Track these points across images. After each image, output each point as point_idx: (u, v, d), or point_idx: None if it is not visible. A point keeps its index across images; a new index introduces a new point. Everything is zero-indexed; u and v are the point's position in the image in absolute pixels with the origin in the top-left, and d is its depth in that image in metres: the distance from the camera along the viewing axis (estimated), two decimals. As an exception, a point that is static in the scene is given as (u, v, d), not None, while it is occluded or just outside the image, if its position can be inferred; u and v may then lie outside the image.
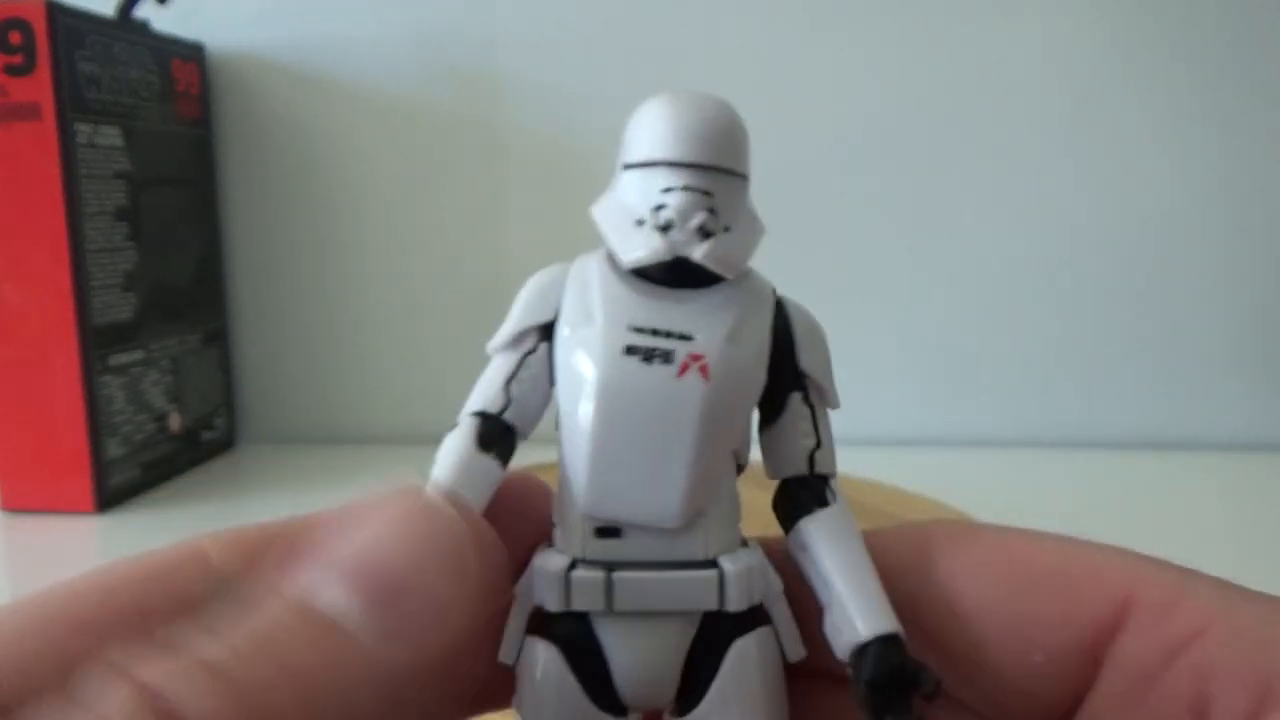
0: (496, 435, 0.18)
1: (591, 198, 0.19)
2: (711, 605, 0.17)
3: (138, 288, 0.59)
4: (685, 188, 0.17)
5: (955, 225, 0.68)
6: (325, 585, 0.13)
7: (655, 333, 0.17)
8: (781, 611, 0.18)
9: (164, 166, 0.63)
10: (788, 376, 0.18)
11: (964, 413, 0.70)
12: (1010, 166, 0.67)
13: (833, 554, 0.17)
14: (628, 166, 0.18)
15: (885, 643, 0.16)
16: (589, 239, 0.18)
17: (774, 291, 0.19)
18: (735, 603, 0.17)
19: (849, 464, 0.61)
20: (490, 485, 0.17)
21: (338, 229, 0.72)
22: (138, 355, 0.60)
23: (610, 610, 0.17)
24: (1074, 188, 0.67)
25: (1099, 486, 0.61)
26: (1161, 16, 0.65)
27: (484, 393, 0.18)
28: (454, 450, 0.17)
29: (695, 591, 0.17)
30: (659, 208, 0.17)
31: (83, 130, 0.54)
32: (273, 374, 0.73)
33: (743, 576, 0.17)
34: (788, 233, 0.72)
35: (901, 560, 0.18)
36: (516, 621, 0.17)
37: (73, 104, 0.53)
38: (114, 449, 0.57)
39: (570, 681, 0.17)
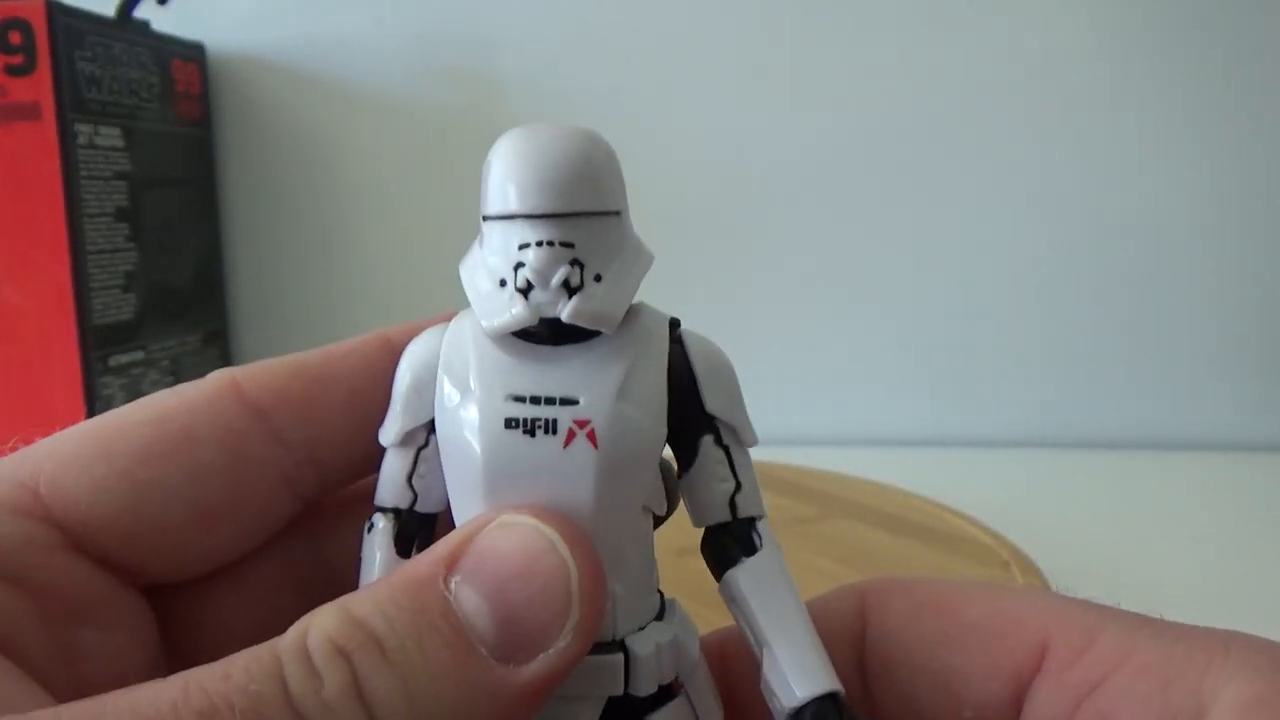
0: (414, 530, 0.17)
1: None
2: (616, 690, 0.16)
3: (138, 288, 0.59)
4: (541, 242, 0.16)
5: (954, 227, 0.68)
6: (470, 598, 0.15)
7: (536, 400, 0.16)
8: (697, 683, 0.17)
9: (164, 166, 0.63)
10: (695, 420, 0.17)
11: (963, 413, 0.70)
12: (1009, 168, 0.67)
13: (762, 607, 0.16)
14: (487, 218, 0.17)
15: (822, 703, 0.16)
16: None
17: (671, 326, 0.17)
18: (643, 687, 0.16)
19: (849, 464, 0.61)
20: None
21: (337, 229, 0.72)
22: (138, 355, 0.60)
23: None
24: (1073, 189, 0.67)
25: (1098, 487, 0.61)
26: (1157, 19, 0.65)
27: (390, 489, 0.17)
28: (381, 570, 0.17)
29: (599, 677, 0.16)
30: (519, 266, 0.16)
31: (83, 130, 0.54)
32: (273, 374, 0.73)
33: (651, 660, 0.16)
34: (787, 235, 0.72)
35: (840, 624, 0.17)
36: None
37: (73, 104, 0.53)
38: (114, 449, 0.57)
39: None
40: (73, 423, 0.57)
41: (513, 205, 0.16)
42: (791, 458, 0.56)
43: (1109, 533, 0.52)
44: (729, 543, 0.17)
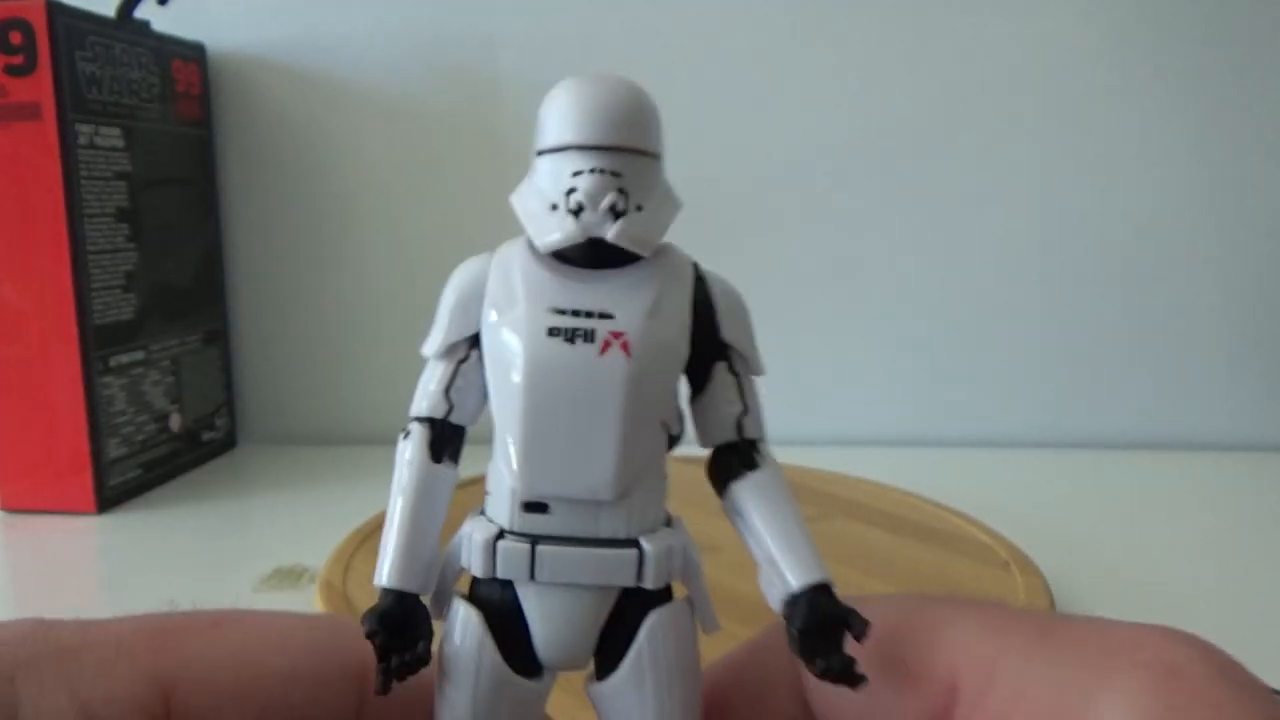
0: (447, 438, 0.19)
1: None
2: (629, 582, 0.18)
3: (138, 288, 0.59)
4: (594, 170, 0.17)
5: (955, 228, 0.68)
6: None
7: (576, 313, 0.17)
8: (699, 586, 0.19)
9: (164, 166, 0.63)
10: (711, 347, 0.19)
11: (963, 413, 0.70)
12: (1011, 169, 0.67)
13: (762, 513, 0.18)
14: (541, 153, 0.18)
15: (816, 592, 0.17)
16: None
17: (694, 266, 0.19)
18: (652, 580, 0.18)
19: (849, 464, 0.61)
20: (449, 492, 0.19)
21: (338, 229, 0.72)
22: (138, 355, 0.60)
23: (533, 579, 0.18)
24: (1073, 189, 0.67)
25: (1098, 487, 0.61)
26: (1156, 18, 0.65)
27: (428, 399, 0.19)
28: (412, 470, 0.18)
29: (614, 568, 0.18)
30: (570, 191, 0.17)
31: (83, 130, 0.54)
32: (273, 374, 0.73)
33: (661, 557, 0.18)
34: (786, 235, 0.72)
35: (779, 664, 0.18)
36: (444, 583, 0.18)
37: (73, 104, 0.54)
38: (114, 449, 0.57)
39: (488, 644, 0.18)
40: (73, 423, 0.57)
41: (568, 138, 0.18)
42: (792, 458, 0.56)
43: (1109, 533, 0.52)
44: (733, 460, 0.19)
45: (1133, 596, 0.43)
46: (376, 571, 0.18)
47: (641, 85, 0.18)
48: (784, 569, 0.18)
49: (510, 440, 0.18)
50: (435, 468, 0.18)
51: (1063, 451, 0.67)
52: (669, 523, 0.19)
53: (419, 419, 0.19)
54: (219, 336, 0.70)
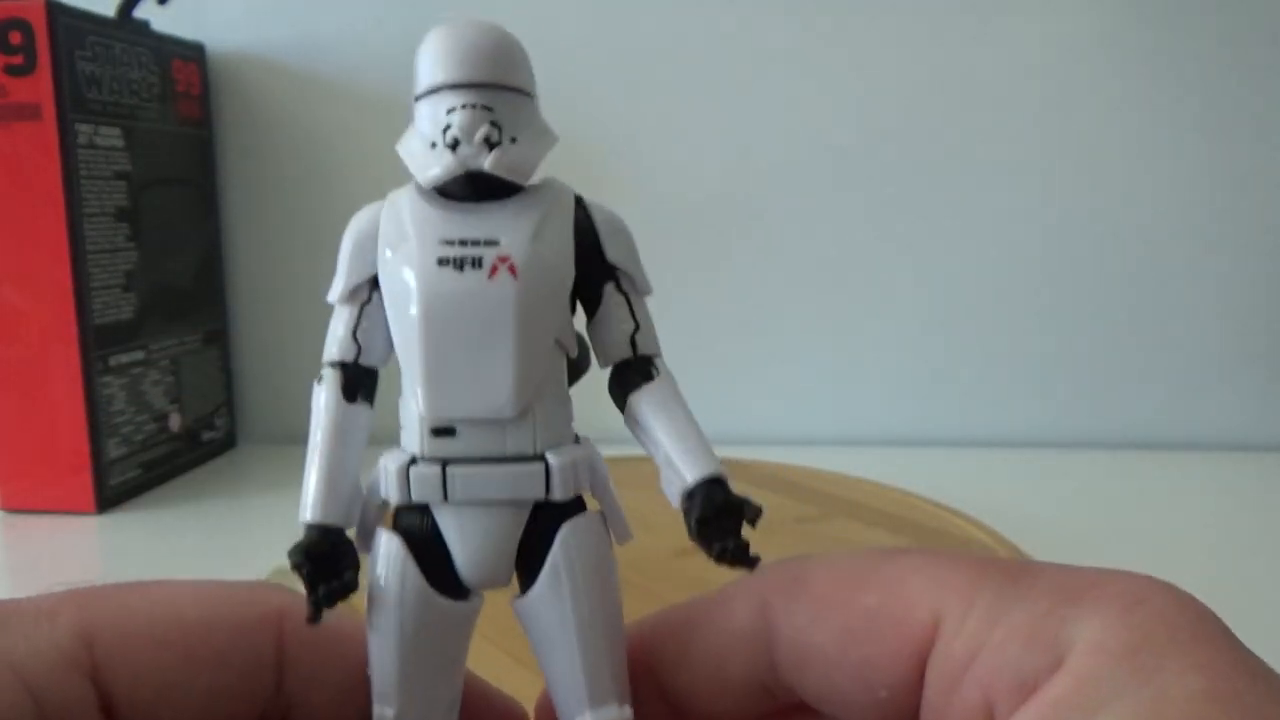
0: (359, 380, 0.20)
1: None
2: (539, 495, 0.19)
3: (138, 288, 0.59)
4: (465, 105, 0.18)
5: (955, 228, 0.68)
6: None
7: (464, 243, 0.18)
8: (608, 498, 0.19)
9: (164, 166, 0.63)
10: (598, 270, 0.19)
11: (963, 413, 0.70)
12: (1009, 168, 0.67)
13: (659, 419, 0.19)
14: (418, 99, 0.19)
15: (710, 484, 0.18)
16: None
17: (574, 195, 0.20)
18: (560, 492, 0.19)
19: (849, 464, 0.60)
20: (365, 430, 0.19)
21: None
22: (138, 355, 0.60)
23: (446, 500, 0.18)
24: (1073, 189, 0.67)
25: (1099, 487, 0.61)
26: (1154, 19, 0.65)
27: (336, 343, 0.20)
28: (327, 412, 0.19)
29: (523, 482, 0.19)
30: (446, 128, 0.18)
31: (83, 130, 0.54)
32: (273, 374, 0.73)
33: (568, 469, 0.19)
34: (787, 236, 0.72)
35: (743, 623, 0.19)
36: (365, 517, 0.19)
37: (73, 104, 0.54)
38: (114, 449, 0.57)
39: (411, 568, 0.19)
40: (73, 423, 0.57)
41: (439, 79, 0.19)
42: (792, 458, 0.56)
43: (1109, 533, 0.52)
44: (631, 375, 0.20)
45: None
46: (300, 508, 0.19)
47: (503, 27, 0.19)
48: (680, 466, 0.18)
49: (413, 369, 0.18)
50: (350, 407, 0.19)
51: (1063, 451, 0.67)
52: (576, 441, 0.20)
53: (330, 364, 0.19)
54: (219, 336, 0.70)
